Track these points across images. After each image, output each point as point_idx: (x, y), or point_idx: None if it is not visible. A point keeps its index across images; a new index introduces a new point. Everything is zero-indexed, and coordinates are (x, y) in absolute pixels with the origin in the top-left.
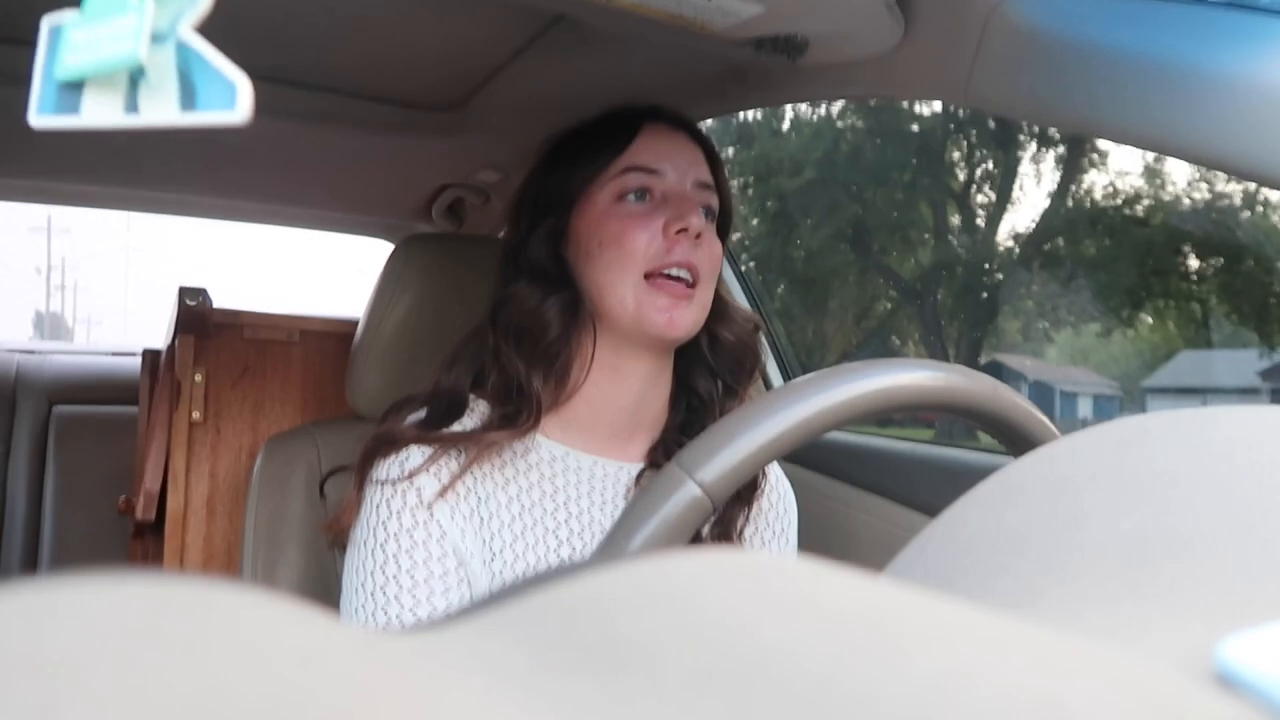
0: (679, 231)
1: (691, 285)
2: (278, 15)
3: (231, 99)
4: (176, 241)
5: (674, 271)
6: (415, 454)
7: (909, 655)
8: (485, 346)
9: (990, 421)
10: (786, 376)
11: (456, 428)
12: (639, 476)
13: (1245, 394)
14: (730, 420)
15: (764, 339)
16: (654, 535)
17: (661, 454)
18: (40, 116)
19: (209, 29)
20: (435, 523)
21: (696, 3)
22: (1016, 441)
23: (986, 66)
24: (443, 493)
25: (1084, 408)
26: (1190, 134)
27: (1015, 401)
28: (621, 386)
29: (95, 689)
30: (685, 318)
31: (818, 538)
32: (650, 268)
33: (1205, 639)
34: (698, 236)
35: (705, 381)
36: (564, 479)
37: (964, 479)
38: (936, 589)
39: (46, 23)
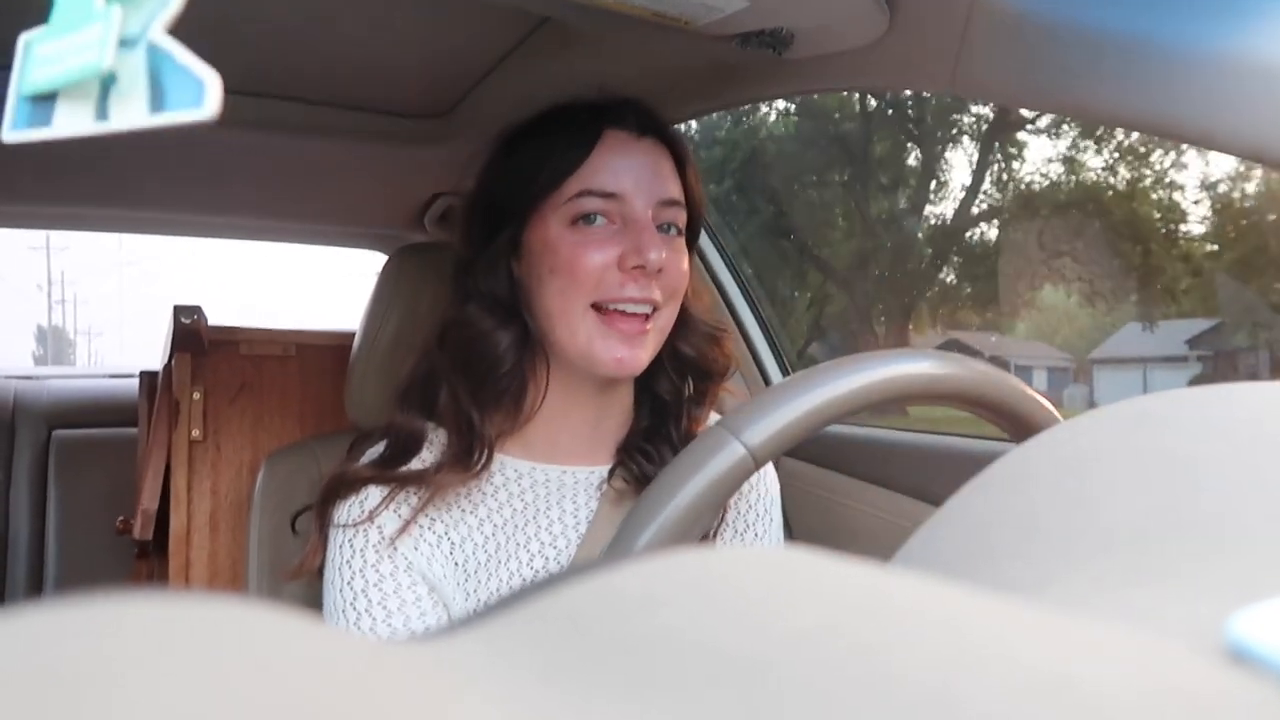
0: (636, 267)
1: (650, 316)
2: (262, 29)
3: (199, 96)
4: (169, 254)
5: (628, 308)
6: (374, 493)
7: (919, 644)
8: (435, 373)
9: (996, 409)
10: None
11: (415, 463)
12: (610, 474)
13: (1174, 361)
14: (779, 388)
15: (762, 339)
16: (695, 491)
17: (627, 455)
18: (12, 132)
19: (195, 45)
20: (400, 555)
21: None
22: (1021, 429)
23: (972, 54)
24: (404, 528)
25: (1039, 380)
26: (1181, 113)
27: (1020, 389)
28: (578, 408)
29: (104, 710)
30: (637, 358)
31: (819, 531)
32: (601, 299)
33: (1216, 615)
34: (658, 270)
35: (669, 386)
36: (533, 494)
37: (964, 466)
38: (945, 576)
39: (21, 40)
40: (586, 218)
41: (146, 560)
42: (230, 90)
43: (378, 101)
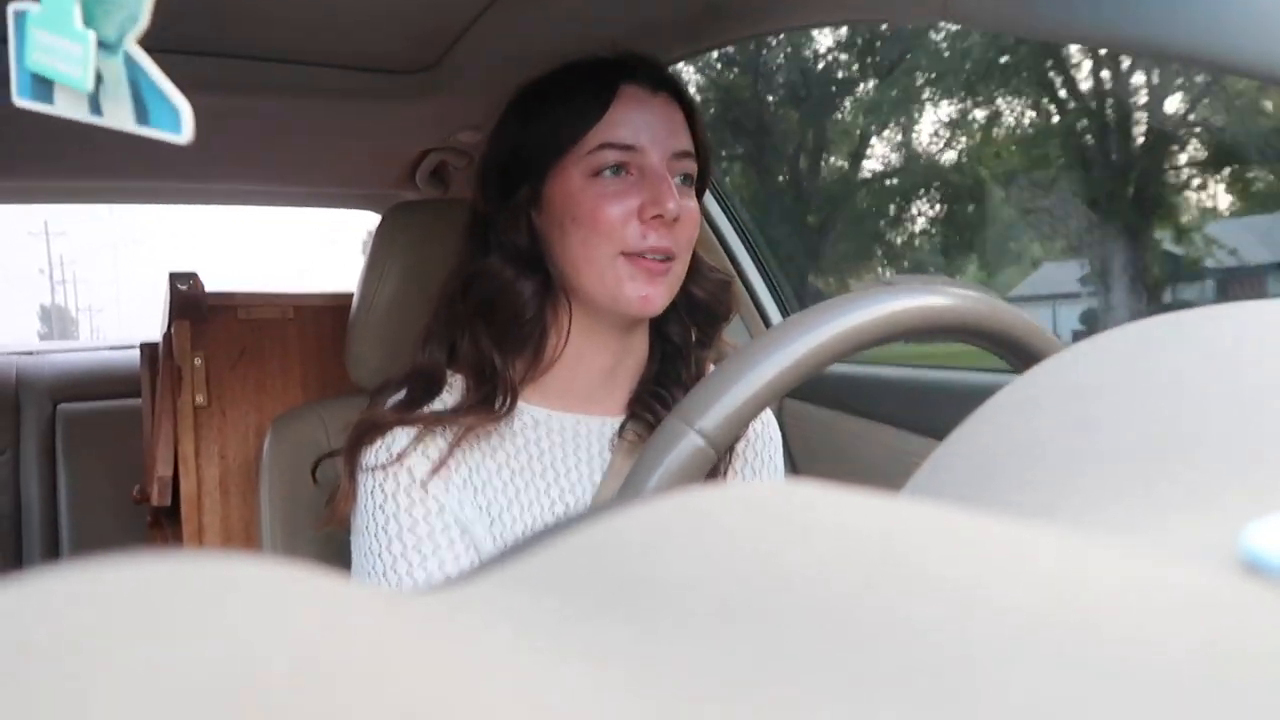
0: (655, 217)
1: (668, 262)
2: None
3: (177, 122)
4: (161, 231)
5: (649, 255)
6: (401, 436)
7: (931, 571)
8: (457, 321)
9: (996, 340)
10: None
11: (436, 405)
12: (621, 428)
13: (1071, 298)
14: (726, 366)
15: (763, 284)
16: (660, 490)
17: (639, 405)
18: (21, 99)
19: (178, 11)
20: (432, 498)
21: None
22: (1024, 358)
23: None
24: (435, 470)
25: None
26: (1183, 34)
27: (1020, 317)
28: (598, 353)
29: (122, 666)
30: (660, 296)
31: (825, 471)
32: (625, 249)
33: (1228, 529)
34: (675, 219)
35: (679, 329)
36: (548, 441)
37: (968, 399)
38: (953, 506)
39: (11, 9)
40: (606, 170)
41: (160, 528)
42: (215, 54)
43: (363, 58)
